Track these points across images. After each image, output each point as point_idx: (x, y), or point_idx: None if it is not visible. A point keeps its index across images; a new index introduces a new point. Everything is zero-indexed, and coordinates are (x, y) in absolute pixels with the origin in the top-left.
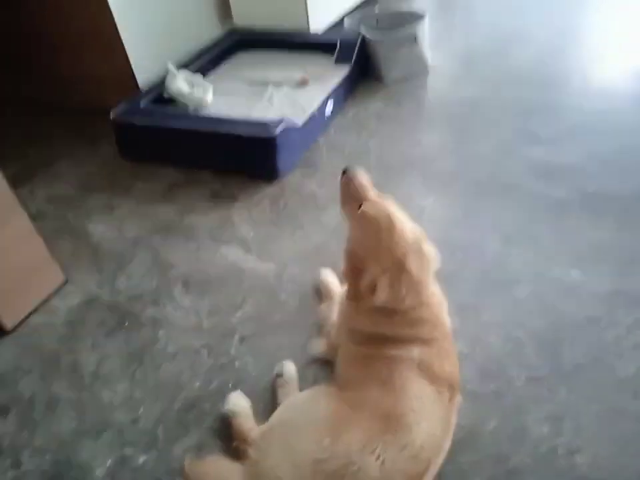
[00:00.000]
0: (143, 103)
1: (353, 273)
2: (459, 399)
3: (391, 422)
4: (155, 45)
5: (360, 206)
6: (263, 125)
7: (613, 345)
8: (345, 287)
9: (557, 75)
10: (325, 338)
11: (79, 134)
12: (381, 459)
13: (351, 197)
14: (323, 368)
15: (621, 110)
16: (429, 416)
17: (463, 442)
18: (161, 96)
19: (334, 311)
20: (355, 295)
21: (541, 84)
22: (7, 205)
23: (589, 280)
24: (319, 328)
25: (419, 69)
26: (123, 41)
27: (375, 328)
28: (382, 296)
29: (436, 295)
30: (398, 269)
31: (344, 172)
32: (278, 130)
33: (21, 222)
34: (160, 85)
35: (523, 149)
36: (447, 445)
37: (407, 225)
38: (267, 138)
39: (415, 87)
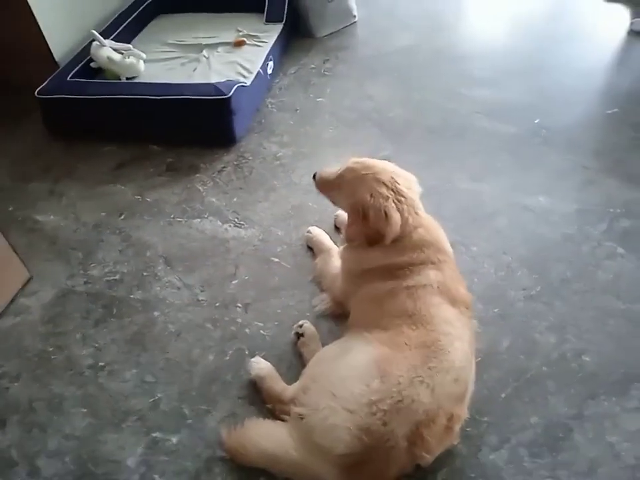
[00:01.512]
0: (70, 76)
1: (360, 220)
2: (474, 321)
3: (430, 349)
4: (66, 10)
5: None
6: (214, 86)
7: (589, 256)
8: (349, 242)
9: (482, 20)
10: (327, 292)
11: None
12: (430, 386)
13: (328, 183)
14: (334, 320)
15: (547, 48)
16: (460, 336)
17: (484, 363)
18: (86, 68)
19: (330, 264)
20: (371, 237)
21: (465, 30)
22: None
23: (556, 203)
24: (318, 283)
25: (347, 21)
26: (31, 6)
27: (387, 259)
28: (396, 217)
29: (431, 220)
30: (394, 192)
31: (314, 177)
32: (231, 91)
33: None
34: (81, 56)
35: (467, 91)
36: (474, 364)
37: (377, 161)
38: (221, 99)
39: (348, 41)
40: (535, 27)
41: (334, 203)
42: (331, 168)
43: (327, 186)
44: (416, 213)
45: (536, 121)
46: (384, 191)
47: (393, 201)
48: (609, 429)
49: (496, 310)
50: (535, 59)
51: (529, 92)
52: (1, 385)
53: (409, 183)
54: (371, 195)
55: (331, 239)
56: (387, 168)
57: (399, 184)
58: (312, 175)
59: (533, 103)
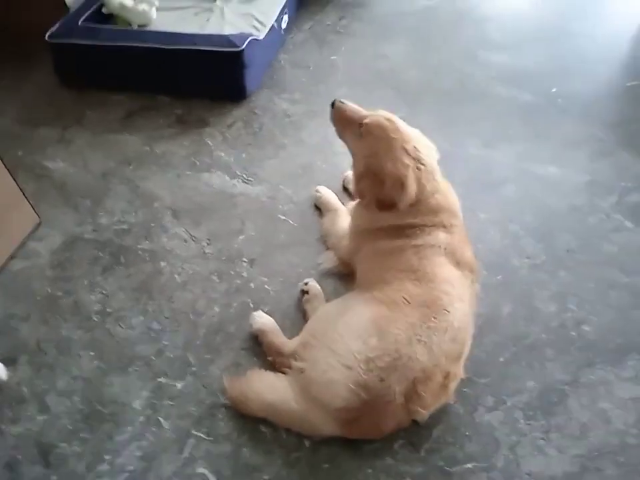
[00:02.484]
0: (81, 21)
1: (375, 183)
2: (477, 285)
3: (430, 308)
4: None
5: (360, 126)
6: (227, 38)
7: (596, 228)
8: (359, 197)
9: None
10: (333, 251)
11: (3, 58)
12: (428, 345)
13: (348, 122)
14: (339, 279)
15: (572, 15)
16: (460, 298)
17: (484, 327)
18: (97, 13)
19: (337, 223)
20: (383, 203)
21: None
22: None
23: (566, 174)
24: (325, 242)
25: None
26: None
27: (400, 220)
28: (412, 188)
29: (447, 184)
30: (415, 160)
31: (332, 105)
32: (244, 44)
33: None
34: (92, 1)
35: (485, 55)
36: (472, 326)
37: (404, 125)
38: (234, 52)
39: None
40: None
41: (343, 140)
42: (354, 105)
43: (346, 123)
44: (435, 180)
45: (553, 90)
46: (405, 159)
47: (413, 169)
48: (602, 395)
49: (499, 277)
50: (558, 26)
51: (549, 59)
52: (10, 325)
53: (429, 149)
54: (393, 162)
55: (338, 199)
56: (411, 134)
57: (420, 152)
58: (330, 102)
59: (551, 70)
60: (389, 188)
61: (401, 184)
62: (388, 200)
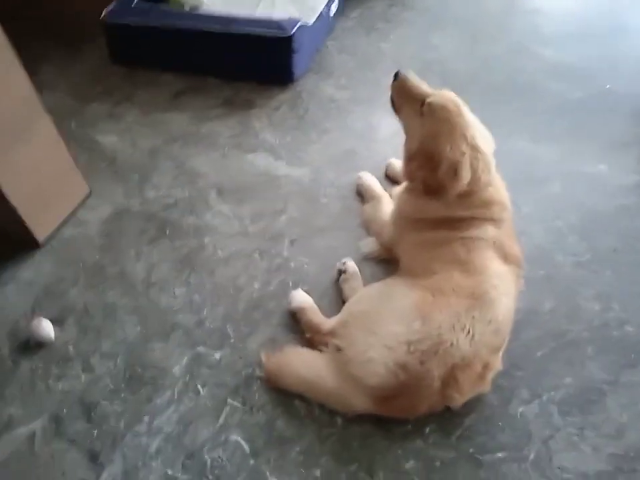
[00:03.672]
0: (135, 2)
1: (428, 166)
2: (521, 280)
3: (476, 299)
4: None
5: (422, 103)
6: (277, 23)
7: None
8: (406, 184)
9: None
10: (375, 237)
11: (58, 39)
12: (471, 333)
13: (409, 97)
14: (377, 264)
15: (622, 12)
16: (507, 292)
17: (523, 322)
18: None
19: (380, 210)
20: (432, 188)
21: None
22: (34, 111)
23: (615, 173)
24: (366, 228)
25: None
26: None
27: (449, 212)
28: (466, 177)
29: (498, 177)
30: (473, 149)
31: (395, 76)
32: (294, 29)
33: (46, 128)
34: None
35: (536, 49)
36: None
37: (467, 110)
38: (283, 37)
39: None
40: None
41: (399, 115)
42: (419, 81)
43: (407, 98)
44: (489, 172)
45: (607, 87)
46: (464, 146)
47: (470, 158)
48: None
49: (542, 272)
50: (610, 21)
51: (602, 56)
52: (59, 289)
53: (487, 140)
54: (451, 147)
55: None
56: (472, 122)
57: (478, 142)
58: (393, 74)
59: (603, 68)
60: (442, 173)
61: (455, 170)
62: (437, 185)
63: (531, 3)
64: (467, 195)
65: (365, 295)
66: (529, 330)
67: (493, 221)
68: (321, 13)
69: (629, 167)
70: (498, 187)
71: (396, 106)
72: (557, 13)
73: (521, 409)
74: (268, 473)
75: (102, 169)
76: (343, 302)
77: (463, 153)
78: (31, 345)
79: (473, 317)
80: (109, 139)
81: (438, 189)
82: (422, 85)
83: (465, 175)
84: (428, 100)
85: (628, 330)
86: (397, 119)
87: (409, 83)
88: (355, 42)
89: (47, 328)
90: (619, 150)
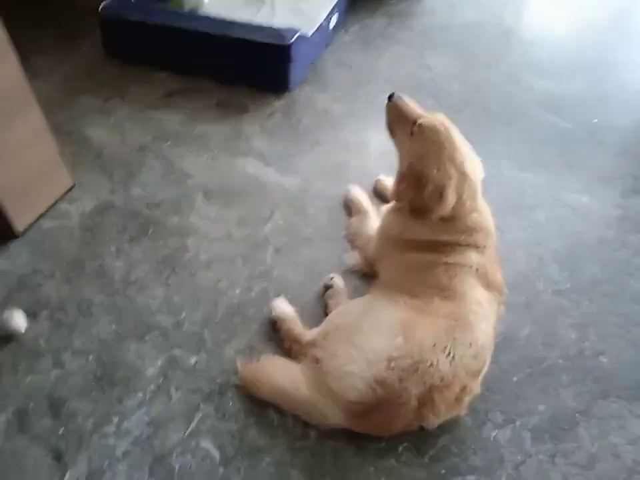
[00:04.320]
0: None
1: (415, 187)
2: (502, 306)
3: (457, 322)
4: None
5: (414, 124)
6: (276, 31)
7: (624, 264)
8: (393, 204)
9: (556, 8)
10: (359, 251)
11: (54, 28)
12: (451, 355)
13: (402, 118)
14: (361, 278)
15: (614, 46)
16: (487, 318)
17: (501, 345)
18: None
19: (366, 225)
20: (417, 208)
21: (537, 15)
22: (22, 98)
23: (598, 205)
24: (351, 242)
25: None
26: None
27: (433, 235)
28: (450, 201)
29: (484, 204)
30: (460, 174)
31: (390, 98)
32: (293, 38)
33: (34, 116)
34: None
35: (528, 78)
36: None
37: (459, 136)
38: (282, 46)
39: (415, 8)
40: (608, 22)
41: (392, 136)
42: (412, 103)
43: (399, 119)
44: (475, 199)
45: (594, 121)
46: (452, 171)
47: (456, 182)
48: (614, 429)
49: (522, 298)
50: (603, 55)
51: (591, 89)
52: (34, 281)
53: (476, 167)
54: (438, 169)
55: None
56: (463, 148)
57: (467, 167)
58: (388, 95)
59: (593, 101)
60: (427, 194)
61: (440, 194)
62: (423, 206)
63: (527, 34)
64: (452, 220)
65: (348, 308)
66: (506, 354)
67: (476, 247)
68: (321, 24)
69: (613, 200)
70: (483, 213)
71: (389, 127)
72: (551, 44)
73: (494, 433)
74: None
75: (88, 162)
76: (325, 315)
77: (450, 177)
78: (0, 336)
79: (454, 339)
80: (97, 132)
81: (423, 211)
82: (415, 107)
83: (450, 199)
84: (419, 121)
85: (602, 361)
86: (391, 140)
87: (402, 104)
88: (352, 56)
89: (18, 320)
90: (604, 183)
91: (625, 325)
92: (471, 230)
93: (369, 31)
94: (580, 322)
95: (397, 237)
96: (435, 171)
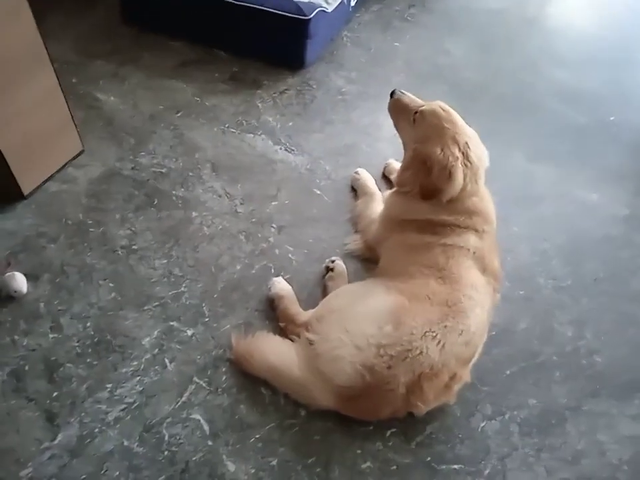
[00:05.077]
0: None
1: (422, 171)
2: (498, 295)
3: (450, 308)
4: None
5: (415, 113)
6: (296, 4)
7: (627, 262)
8: (399, 186)
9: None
10: (361, 234)
11: None
12: (441, 343)
13: (404, 111)
14: (362, 262)
15: (637, 44)
16: (481, 304)
17: (497, 338)
18: None
19: (370, 208)
20: (428, 191)
21: (561, 5)
22: (37, 57)
23: (607, 203)
24: (354, 224)
25: None
26: None
27: (432, 215)
28: (459, 179)
29: (486, 190)
30: (464, 154)
31: (392, 95)
32: (313, 13)
33: (47, 77)
34: None
35: (548, 69)
36: (486, 333)
37: (461, 121)
38: (300, 20)
39: None
40: (634, 18)
41: (398, 131)
42: (413, 96)
43: (401, 111)
44: (476, 182)
45: (611, 118)
46: (456, 151)
47: (461, 163)
48: (601, 427)
49: (522, 292)
50: (624, 52)
51: (610, 85)
52: (38, 243)
53: (481, 153)
54: (442, 150)
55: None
56: (466, 131)
57: (470, 150)
58: (390, 92)
59: (611, 97)
60: (435, 175)
61: (449, 172)
62: (433, 188)
63: (550, 24)
64: (452, 201)
65: (343, 292)
66: (501, 347)
67: (475, 231)
68: (342, 1)
69: (622, 199)
70: (484, 199)
71: (393, 121)
72: (573, 36)
73: (482, 424)
74: (225, 456)
75: (98, 128)
76: (323, 297)
77: (456, 157)
78: (1, 297)
79: (445, 327)
80: (109, 98)
81: (434, 192)
82: (416, 99)
83: (459, 178)
84: (420, 109)
85: (597, 360)
86: (398, 134)
87: (403, 99)
88: (370, 37)
89: (20, 281)
90: (614, 181)
91: (622, 324)
92: (470, 213)
93: (390, 12)
94: (578, 319)
95: (398, 218)
96: (439, 151)
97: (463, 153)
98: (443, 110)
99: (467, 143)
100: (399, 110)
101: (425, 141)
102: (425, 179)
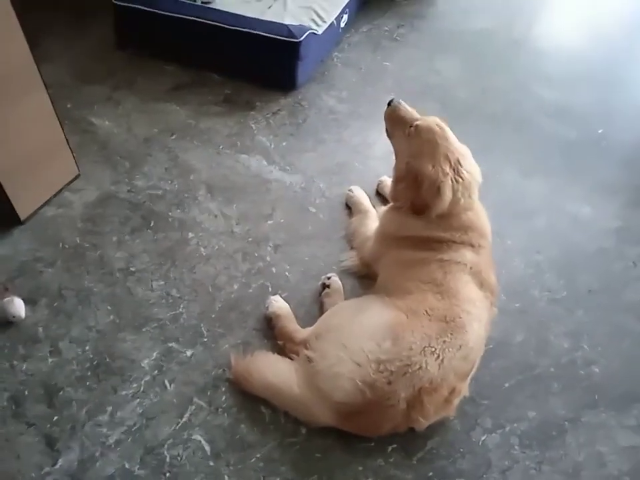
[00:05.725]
0: None
1: (412, 185)
2: (495, 309)
3: (448, 324)
4: None
5: (410, 126)
6: (287, 28)
7: (620, 274)
8: (393, 200)
9: (566, 20)
10: (357, 251)
11: (67, 12)
12: (440, 358)
13: (400, 122)
14: (358, 279)
15: (623, 63)
16: (479, 318)
17: (494, 351)
18: None
19: (365, 225)
20: (417, 206)
21: (547, 26)
22: (30, 79)
23: (598, 216)
24: (350, 241)
25: None
26: None
27: (427, 232)
28: (448, 196)
29: (480, 206)
30: (455, 170)
31: (389, 103)
32: (303, 36)
33: (41, 101)
34: None
35: (536, 87)
36: (483, 348)
37: (455, 139)
38: (292, 42)
39: (426, 11)
40: (617, 37)
41: (391, 139)
42: (410, 108)
43: (397, 122)
44: (470, 197)
45: (599, 131)
46: (447, 167)
47: (451, 179)
48: (601, 439)
49: (517, 304)
50: (612, 70)
51: (598, 102)
52: (35, 268)
53: (473, 169)
54: (433, 166)
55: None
56: (459, 148)
57: (462, 166)
58: (387, 101)
59: (599, 113)
60: (425, 191)
61: (437, 188)
62: (422, 203)
63: (537, 44)
64: (446, 217)
65: (341, 309)
66: (498, 360)
67: (471, 246)
68: (332, 23)
69: (613, 211)
70: (478, 214)
71: (388, 131)
72: (560, 56)
73: (483, 438)
74: (226, 477)
75: (93, 152)
76: (321, 314)
77: (446, 173)
78: None
79: (444, 342)
80: (104, 122)
81: (423, 208)
82: (413, 111)
83: (448, 194)
84: (415, 123)
85: (594, 370)
86: (390, 143)
87: (400, 109)
88: (360, 57)
89: (18, 306)
90: (605, 194)
91: (617, 335)
92: (466, 228)
93: (379, 32)
94: (573, 331)
95: (393, 235)
96: (431, 167)
97: (454, 169)
98: (438, 127)
99: (458, 160)
100: (395, 120)
101: (418, 156)
102: (415, 194)
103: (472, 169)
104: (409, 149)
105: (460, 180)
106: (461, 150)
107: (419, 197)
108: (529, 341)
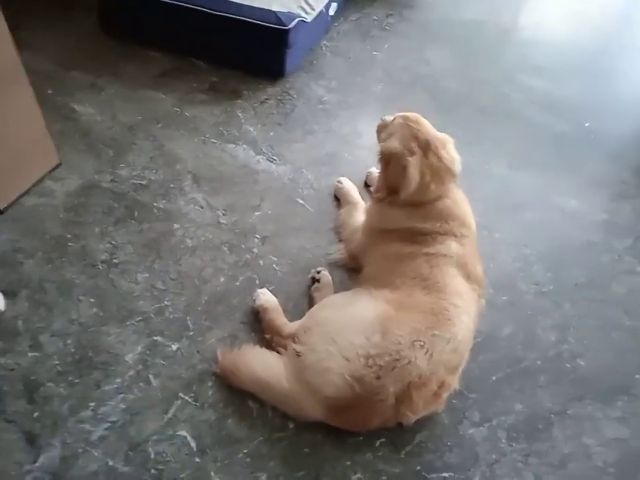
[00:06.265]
0: None
1: (384, 168)
2: (483, 300)
3: (436, 317)
4: None
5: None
6: (275, 15)
7: (607, 267)
8: (375, 193)
9: (555, 11)
10: (345, 243)
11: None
12: (429, 352)
13: (385, 125)
14: (347, 271)
15: (612, 53)
16: (467, 311)
17: (482, 345)
18: None
19: (353, 217)
20: (388, 187)
21: (536, 17)
22: (12, 71)
23: (586, 209)
24: (338, 233)
25: None
26: None
27: (409, 222)
28: (413, 176)
29: (461, 195)
30: (425, 153)
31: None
32: (292, 23)
33: (24, 92)
34: None
35: (525, 78)
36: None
37: (430, 126)
38: (279, 30)
39: (415, 0)
40: (606, 29)
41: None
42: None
43: (383, 127)
44: (442, 183)
45: (586, 124)
46: (414, 147)
47: (419, 159)
48: (587, 431)
49: (505, 298)
50: (601, 62)
51: (587, 94)
52: (15, 259)
53: (450, 156)
54: (400, 144)
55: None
56: (432, 132)
57: (432, 149)
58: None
59: (587, 105)
60: (392, 169)
61: (403, 167)
62: (392, 185)
63: (525, 34)
64: (422, 205)
65: (329, 303)
66: (486, 353)
67: (454, 236)
68: (321, 11)
69: (600, 204)
70: (458, 203)
71: (377, 136)
72: (549, 47)
73: (470, 431)
74: (213, 473)
75: (75, 140)
76: (309, 308)
77: (413, 152)
78: None
79: (433, 335)
80: (87, 109)
81: (393, 188)
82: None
83: (413, 173)
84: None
85: (580, 363)
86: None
87: (384, 120)
88: (349, 46)
89: None
90: (592, 187)
91: (604, 328)
92: (445, 217)
93: (368, 21)
94: (560, 324)
95: (378, 227)
96: (398, 145)
97: (423, 151)
98: (414, 117)
99: (428, 141)
100: (382, 127)
101: (388, 138)
102: (386, 175)
103: (447, 155)
104: (383, 138)
105: (430, 163)
106: (438, 136)
107: (388, 177)
108: (517, 334)
